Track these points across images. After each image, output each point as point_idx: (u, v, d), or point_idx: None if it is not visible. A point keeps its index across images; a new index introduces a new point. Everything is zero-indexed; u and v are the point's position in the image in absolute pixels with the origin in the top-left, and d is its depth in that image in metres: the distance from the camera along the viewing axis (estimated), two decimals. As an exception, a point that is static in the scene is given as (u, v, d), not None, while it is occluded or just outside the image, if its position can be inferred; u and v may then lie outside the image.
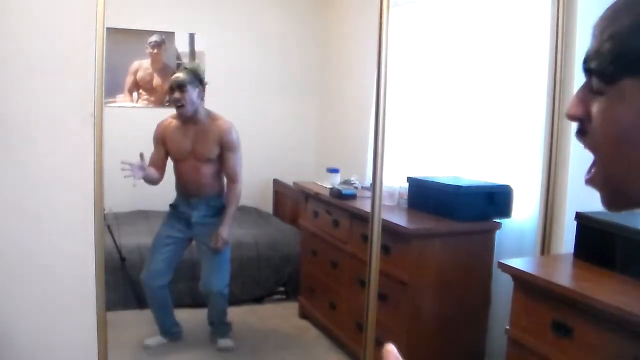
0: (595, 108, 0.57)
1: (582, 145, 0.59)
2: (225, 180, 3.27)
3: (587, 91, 0.58)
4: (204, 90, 3.17)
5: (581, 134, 0.59)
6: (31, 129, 2.11)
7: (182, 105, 3.07)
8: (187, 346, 3.35)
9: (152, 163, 3.16)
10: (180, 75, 3.10)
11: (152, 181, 3.14)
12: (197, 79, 3.12)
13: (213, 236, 3.14)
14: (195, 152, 3.16)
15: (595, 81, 0.56)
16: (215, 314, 3.36)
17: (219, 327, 3.40)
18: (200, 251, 3.29)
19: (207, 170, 3.18)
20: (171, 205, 3.32)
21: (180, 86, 3.05)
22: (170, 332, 3.39)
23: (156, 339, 3.35)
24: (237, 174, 3.19)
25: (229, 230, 3.17)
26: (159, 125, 3.27)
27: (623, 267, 1.86)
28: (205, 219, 3.21)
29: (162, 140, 3.21)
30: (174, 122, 3.21)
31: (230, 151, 3.16)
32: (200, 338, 3.44)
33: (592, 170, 0.59)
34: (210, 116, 3.19)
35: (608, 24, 0.54)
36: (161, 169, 3.21)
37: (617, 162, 0.55)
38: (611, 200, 0.59)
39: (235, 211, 3.26)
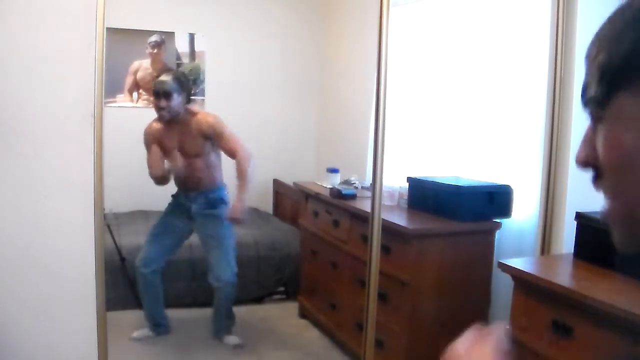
0: (598, 141, 0.50)
1: (600, 192, 0.52)
2: (218, 174, 3.31)
3: (591, 129, 0.52)
4: (189, 96, 3.17)
5: (596, 180, 0.52)
6: (31, 129, 2.11)
7: (164, 111, 3.08)
8: (189, 345, 3.35)
9: (152, 164, 3.18)
10: (166, 81, 3.05)
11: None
12: (183, 86, 3.10)
13: (228, 211, 3.16)
14: (183, 150, 3.19)
15: (593, 110, 0.50)
16: (224, 303, 3.35)
17: (224, 320, 3.39)
18: (204, 243, 3.32)
19: (198, 165, 3.20)
20: (173, 196, 3.39)
21: (166, 94, 3.04)
22: (159, 324, 3.41)
23: (142, 332, 3.40)
24: (236, 148, 3.12)
25: (243, 206, 3.10)
26: (146, 132, 3.28)
27: (623, 267, 1.86)
28: (205, 210, 3.26)
29: (154, 142, 3.21)
30: (157, 124, 3.24)
31: (218, 136, 3.14)
32: (202, 337, 3.44)
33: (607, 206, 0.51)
34: (189, 112, 3.17)
35: (595, 45, 0.50)
36: (163, 167, 3.26)
37: (625, 192, 0.49)
38: (624, 238, 0.51)
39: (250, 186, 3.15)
